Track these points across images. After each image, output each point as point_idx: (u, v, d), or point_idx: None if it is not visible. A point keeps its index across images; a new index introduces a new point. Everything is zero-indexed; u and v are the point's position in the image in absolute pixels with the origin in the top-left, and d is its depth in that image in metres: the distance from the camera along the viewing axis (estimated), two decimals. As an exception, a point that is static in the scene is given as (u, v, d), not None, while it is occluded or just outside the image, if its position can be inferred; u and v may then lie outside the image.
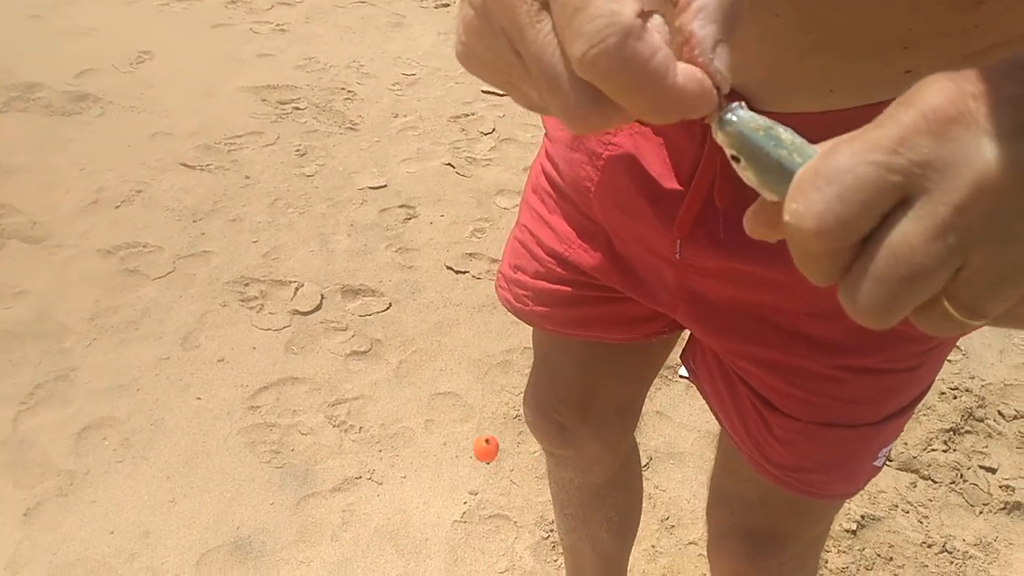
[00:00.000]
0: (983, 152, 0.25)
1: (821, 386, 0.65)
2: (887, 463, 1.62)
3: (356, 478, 1.52)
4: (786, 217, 0.27)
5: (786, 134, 0.29)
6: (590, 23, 0.28)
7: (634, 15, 0.28)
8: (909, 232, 0.26)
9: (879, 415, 0.67)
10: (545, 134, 0.79)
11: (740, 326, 0.66)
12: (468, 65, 0.36)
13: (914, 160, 0.26)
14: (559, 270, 0.78)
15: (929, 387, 0.70)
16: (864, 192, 0.26)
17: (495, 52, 0.34)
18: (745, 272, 0.61)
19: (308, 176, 2.38)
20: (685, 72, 0.29)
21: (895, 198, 0.26)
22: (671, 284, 0.68)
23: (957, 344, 1.77)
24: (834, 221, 0.26)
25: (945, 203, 0.25)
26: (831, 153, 0.27)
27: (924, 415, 1.74)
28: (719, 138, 0.31)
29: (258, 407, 1.64)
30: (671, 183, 0.60)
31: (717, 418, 0.80)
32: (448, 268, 2.09)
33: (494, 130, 2.71)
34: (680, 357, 0.85)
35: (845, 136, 0.27)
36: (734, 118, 0.30)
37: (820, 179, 0.27)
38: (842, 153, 0.27)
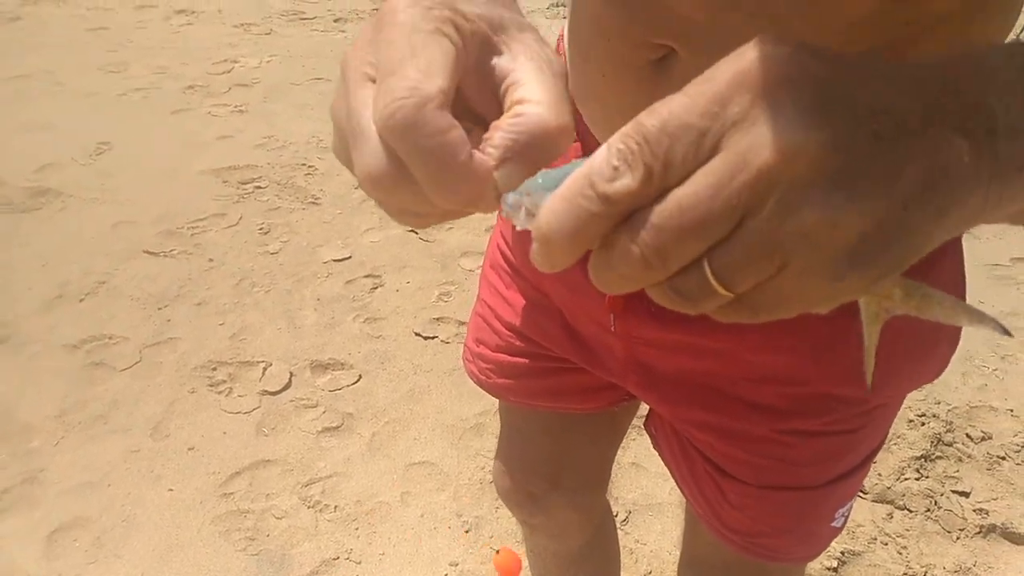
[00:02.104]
0: (786, 124, 0.26)
1: (766, 449, 0.67)
2: (861, 496, 1.63)
3: (333, 559, 1.50)
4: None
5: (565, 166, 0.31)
6: (397, 84, 0.30)
7: (438, 90, 0.31)
8: (699, 185, 0.27)
9: (827, 477, 0.68)
10: (499, 213, 0.81)
11: (686, 393, 0.68)
12: (335, 152, 0.38)
13: (727, 119, 0.27)
14: (518, 343, 0.80)
15: (878, 448, 0.71)
16: (674, 149, 0.27)
17: (338, 133, 0.36)
18: (681, 341, 0.63)
19: (272, 254, 2.40)
20: (480, 159, 0.31)
21: (708, 148, 0.27)
22: (619, 355, 0.70)
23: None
24: (648, 166, 0.27)
25: (740, 169, 0.26)
26: (645, 113, 0.28)
27: (895, 444, 1.76)
28: (514, 214, 0.32)
29: (231, 494, 1.63)
30: None
31: (677, 485, 0.82)
32: (416, 335, 2.10)
33: (454, 194, 2.75)
34: (643, 426, 0.87)
35: (664, 99, 0.28)
36: (513, 193, 0.32)
37: (636, 134, 0.28)
38: (655, 111, 0.28)
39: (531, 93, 0.33)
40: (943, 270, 0.60)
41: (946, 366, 0.65)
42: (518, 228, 0.32)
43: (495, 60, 0.35)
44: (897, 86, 0.27)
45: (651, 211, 0.28)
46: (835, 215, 0.26)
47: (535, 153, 0.33)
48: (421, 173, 0.31)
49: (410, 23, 0.33)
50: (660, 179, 0.28)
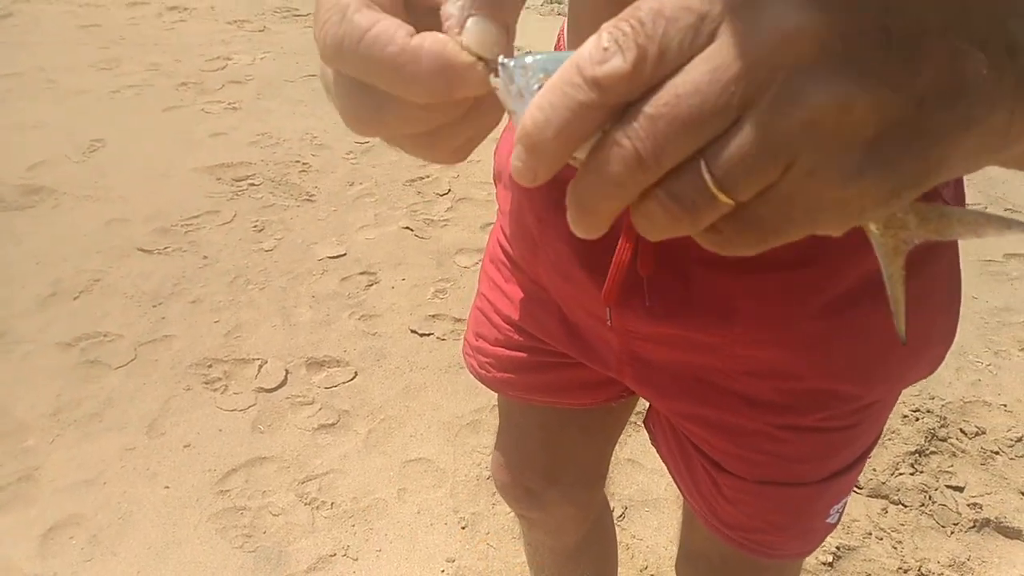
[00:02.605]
0: (787, 5, 0.24)
1: (762, 444, 0.67)
2: (856, 491, 1.64)
3: (330, 556, 1.50)
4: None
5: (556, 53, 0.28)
6: (321, 10, 0.29)
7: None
8: (697, 72, 0.25)
9: (823, 473, 0.68)
10: (498, 207, 0.82)
11: (682, 387, 0.68)
12: (345, 122, 0.36)
13: (721, 3, 0.25)
14: (516, 337, 0.81)
15: (873, 444, 0.71)
16: (671, 31, 0.25)
17: (339, 84, 0.33)
18: (678, 336, 0.63)
19: (267, 251, 2.39)
20: (430, 38, 0.28)
21: (706, 33, 0.25)
22: (616, 349, 0.70)
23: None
24: (637, 55, 0.25)
25: (738, 52, 0.24)
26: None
27: (889, 439, 1.77)
28: (505, 88, 0.29)
29: (227, 491, 1.62)
30: (604, 253, 0.62)
31: (674, 481, 0.82)
32: (412, 331, 2.10)
33: (450, 191, 2.75)
34: (643, 422, 0.87)
35: None
36: (511, 60, 0.29)
37: (632, 17, 0.26)
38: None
39: None
40: (939, 266, 0.60)
41: (941, 362, 0.66)
42: (508, 109, 0.29)
43: None
44: None
45: (645, 99, 0.25)
46: (844, 97, 0.23)
47: (488, 3, 0.30)
48: (377, 80, 0.29)
49: None
50: (654, 64, 0.25)
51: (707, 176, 0.25)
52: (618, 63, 0.25)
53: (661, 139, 0.25)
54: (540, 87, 0.27)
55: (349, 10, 0.28)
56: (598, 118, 0.26)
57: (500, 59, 0.29)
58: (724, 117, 0.25)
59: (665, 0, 0.25)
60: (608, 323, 0.66)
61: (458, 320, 2.13)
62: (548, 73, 0.27)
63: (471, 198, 2.71)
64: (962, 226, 0.28)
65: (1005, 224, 0.28)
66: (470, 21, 0.29)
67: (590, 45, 0.26)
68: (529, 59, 0.28)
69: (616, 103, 0.26)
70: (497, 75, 0.29)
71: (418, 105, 0.30)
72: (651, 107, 0.25)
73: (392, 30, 0.28)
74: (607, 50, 0.25)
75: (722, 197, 0.26)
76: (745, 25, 0.24)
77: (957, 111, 0.24)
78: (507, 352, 0.82)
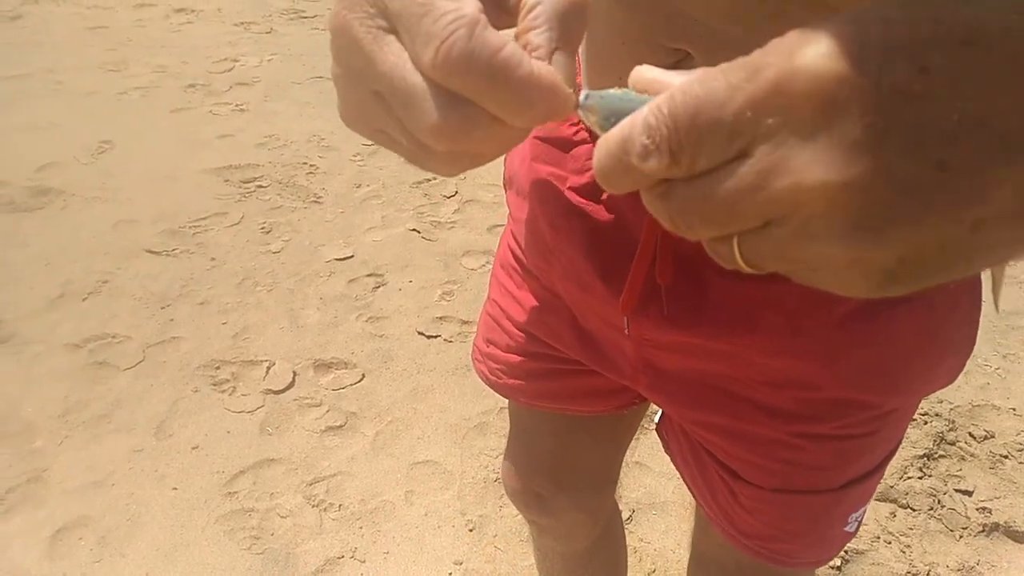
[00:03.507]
0: (831, 156, 0.24)
1: (779, 453, 0.66)
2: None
3: (338, 558, 1.50)
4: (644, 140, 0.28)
5: (638, 94, 0.30)
6: (435, 23, 0.29)
7: (477, 10, 0.29)
8: (723, 186, 0.26)
9: (840, 481, 0.68)
10: (509, 213, 0.82)
11: (698, 396, 0.68)
12: (347, 122, 0.36)
13: (760, 128, 0.25)
14: (529, 344, 0.80)
15: (892, 452, 0.70)
16: (703, 143, 0.26)
17: (359, 98, 0.34)
18: (695, 344, 0.63)
19: (274, 253, 2.40)
20: (544, 68, 0.30)
21: (736, 149, 0.26)
22: (631, 357, 0.70)
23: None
24: (675, 153, 0.27)
25: (761, 181, 0.25)
26: (681, 93, 0.27)
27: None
28: (586, 118, 0.31)
29: (235, 493, 1.63)
30: (621, 261, 0.62)
31: (689, 489, 0.82)
32: (419, 333, 2.10)
33: (456, 193, 2.75)
34: (655, 430, 0.87)
35: (703, 73, 0.27)
36: (591, 94, 0.31)
37: (668, 118, 0.27)
38: (691, 96, 0.27)
39: None
40: (963, 279, 0.59)
41: (960, 371, 0.65)
42: (594, 131, 0.32)
43: None
44: (1006, 82, 0.22)
45: (683, 188, 0.28)
46: (857, 254, 0.25)
47: (573, 32, 0.32)
48: (493, 100, 0.30)
49: None
50: (687, 168, 0.27)
51: (737, 255, 0.28)
52: (654, 164, 0.28)
53: (693, 223, 0.28)
54: (609, 126, 0.30)
55: (479, 27, 0.29)
56: (647, 179, 0.29)
57: (584, 95, 0.31)
58: (748, 223, 0.27)
59: (702, 107, 0.26)
60: (626, 331, 0.66)
61: (465, 322, 2.13)
62: (616, 116, 0.30)
63: (478, 200, 2.71)
64: None
65: None
66: (557, 55, 0.31)
67: (637, 129, 0.28)
68: (600, 98, 0.31)
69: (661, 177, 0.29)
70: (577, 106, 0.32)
71: (510, 125, 0.31)
72: (682, 199, 0.28)
73: (520, 53, 0.30)
74: (646, 147, 0.28)
75: (747, 269, 0.29)
76: (774, 161, 0.25)
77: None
78: (519, 359, 0.82)
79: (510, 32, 0.32)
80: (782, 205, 0.25)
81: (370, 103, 0.33)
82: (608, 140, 0.29)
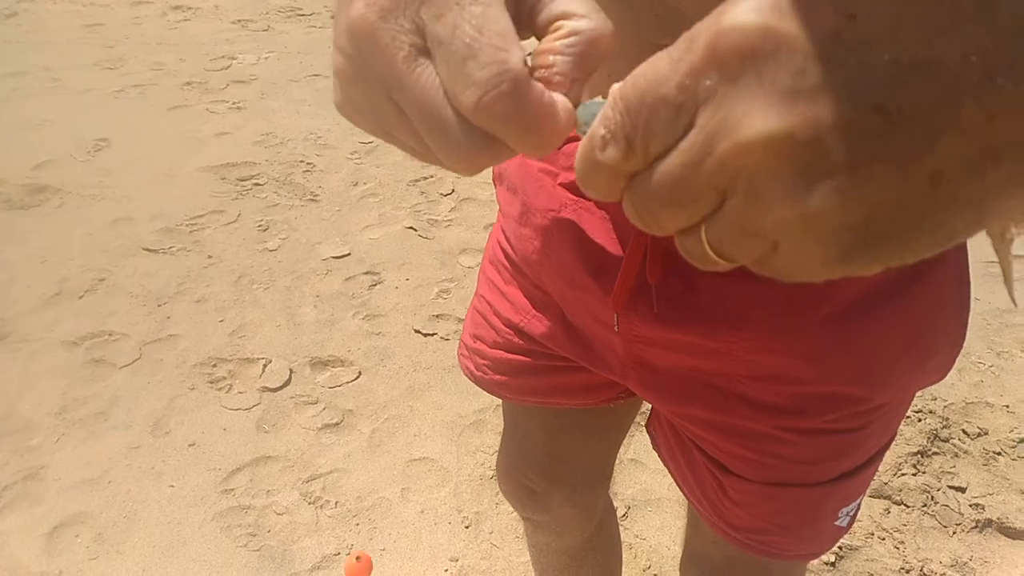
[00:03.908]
0: (767, 108, 0.24)
1: (768, 447, 0.67)
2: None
3: (335, 555, 1.51)
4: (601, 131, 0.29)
5: None
6: (481, 70, 0.29)
7: (522, 63, 0.30)
8: (674, 164, 0.27)
9: (829, 475, 0.68)
10: (499, 209, 0.82)
11: (687, 392, 0.68)
12: (346, 115, 0.36)
13: (700, 94, 0.25)
14: (516, 340, 0.80)
15: (885, 447, 0.70)
16: (652, 122, 0.27)
17: (371, 101, 0.34)
18: (684, 341, 0.63)
19: (271, 251, 2.40)
20: (560, 100, 0.31)
21: (683, 125, 0.26)
22: (620, 353, 0.70)
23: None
24: (629, 138, 0.27)
25: (706, 151, 0.25)
26: (631, 78, 0.27)
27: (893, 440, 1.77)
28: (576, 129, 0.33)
29: (232, 490, 1.63)
30: (611, 258, 0.63)
31: (678, 485, 0.82)
32: (416, 331, 2.10)
33: (453, 191, 2.76)
34: (645, 427, 0.87)
35: (651, 58, 0.27)
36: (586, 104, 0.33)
37: (621, 104, 0.27)
38: (639, 78, 0.27)
39: (570, 5, 0.33)
40: (948, 273, 0.60)
41: (950, 368, 0.65)
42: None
43: None
44: (943, 24, 0.22)
45: (642, 178, 0.28)
46: (809, 212, 0.24)
47: (594, 66, 0.33)
48: (524, 144, 0.31)
49: None
50: (642, 152, 0.27)
51: (706, 245, 0.28)
52: (612, 153, 0.28)
53: (657, 215, 0.29)
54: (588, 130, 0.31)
55: (522, 84, 0.30)
56: (618, 178, 0.29)
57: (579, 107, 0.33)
58: (704, 203, 0.27)
59: (647, 87, 0.27)
60: (615, 328, 0.66)
61: (461, 320, 2.13)
62: (591, 121, 0.31)
63: (474, 198, 2.71)
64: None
65: None
66: (575, 88, 0.32)
67: (596, 124, 0.29)
68: (583, 107, 0.32)
69: (627, 172, 0.29)
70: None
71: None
72: (642, 189, 0.28)
73: (551, 103, 0.31)
74: (604, 138, 0.28)
75: (721, 261, 0.29)
76: (715, 123, 0.25)
77: (993, 174, 0.22)
78: (506, 355, 0.82)
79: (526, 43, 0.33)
80: (728, 167, 0.25)
81: (385, 108, 0.33)
82: (581, 142, 0.30)
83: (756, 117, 0.24)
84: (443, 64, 0.30)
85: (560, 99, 0.31)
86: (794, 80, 0.23)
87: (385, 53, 0.31)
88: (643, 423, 1.76)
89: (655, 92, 0.26)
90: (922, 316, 0.59)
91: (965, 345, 0.64)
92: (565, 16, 0.32)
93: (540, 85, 0.30)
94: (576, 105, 0.33)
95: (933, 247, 0.25)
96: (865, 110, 0.22)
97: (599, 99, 0.32)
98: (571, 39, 0.32)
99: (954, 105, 0.22)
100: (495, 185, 0.80)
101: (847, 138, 0.23)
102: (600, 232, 0.64)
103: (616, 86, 0.28)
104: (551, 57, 0.32)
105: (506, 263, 0.80)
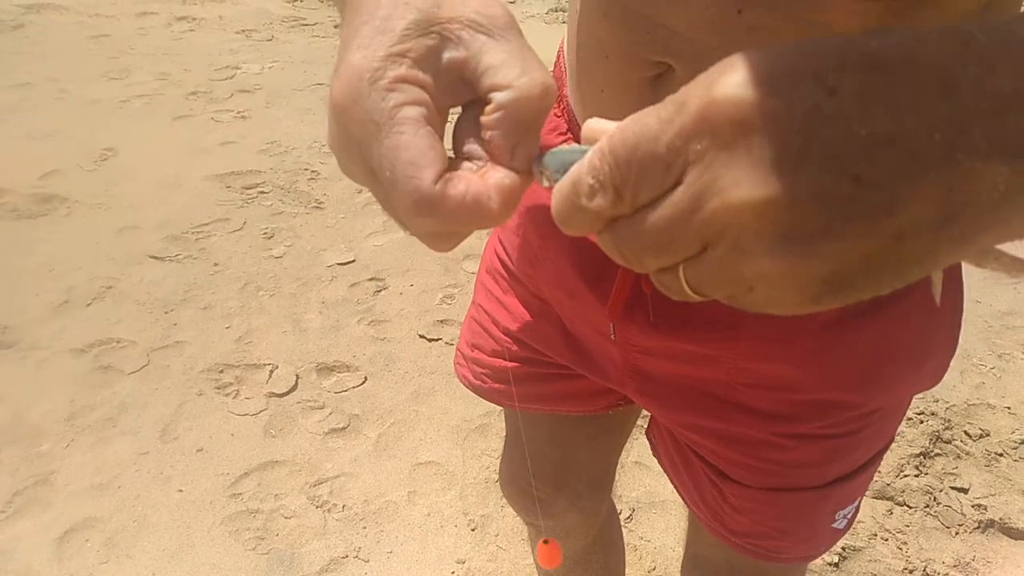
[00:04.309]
0: (754, 175, 0.26)
1: (765, 453, 0.68)
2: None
3: (342, 558, 1.52)
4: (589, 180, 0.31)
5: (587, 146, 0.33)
6: (401, 199, 0.33)
7: (432, 181, 0.33)
8: (661, 215, 0.29)
9: (826, 478, 0.69)
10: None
11: (684, 399, 0.69)
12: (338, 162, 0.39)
13: (690, 155, 0.27)
14: (515, 348, 0.80)
15: (882, 451, 0.71)
16: (642, 177, 0.29)
17: (355, 165, 0.36)
18: (680, 349, 0.64)
19: (277, 258, 2.42)
20: (497, 179, 0.34)
21: (672, 179, 0.28)
22: (618, 361, 0.71)
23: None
24: (618, 188, 0.30)
25: (694, 208, 0.28)
26: (620, 132, 0.29)
27: (894, 441, 1.78)
28: (540, 177, 0.35)
29: (240, 494, 1.65)
30: (606, 268, 0.64)
31: (677, 491, 0.83)
32: (421, 337, 2.12)
33: (456, 197, 2.77)
34: (645, 433, 0.88)
35: (638, 114, 0.29)
36: (544, 155, 0.35)
37: (610, 157, 0.30)
38: (628, 133, 0.29)
39: (495, 77, 0.34)
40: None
41: (944, 372, 0.66)
42: (544, 186, 0.35)
43: (447, 56, 0.35)
44: (912, 103, 0.24)
45: (628, 223, 0.30)
46: (788, 267, 0.27)
47: (531, 125, 0.35)
48: (467, 230, 0.35)
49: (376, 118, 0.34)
50: (630, 202, 0.30)
51: (683, 282, 0.31)
52: (600, 202, 0.30)
53: (641, 256, 0.31)
54: (560, 176, 0.33)
55: (436, 203, 0.33)
56: (598, 222, 0.32)
57: (538, 158, 0.35)
58: (688, 250, 0.29)
59: (638, 143, 0.29)
60: (612, 338, 0.67)
61: (466, 325, 2.15)
62: (565, 167, 0.33)
63: (478, 205, 2.73)
64: (998, 264, 0.31)
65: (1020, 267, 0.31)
66: (518, 148, 0.35)
67: (583, 173, 0.31)
68: (551, 155, 0.34)
69: (609, 218, 0.31)
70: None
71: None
72: (627, 233, 0.31)
73: (479, 194, 0.33)
74: (592, 187, 0.30)
75: (695, 296, 0.31)
76: (703, 183, 0.27)
77: (948, 232, 0.26)
78: (504, 363, 0.82)
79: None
80: (715, 224, 0.27)
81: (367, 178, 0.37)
82: (562, 187, 0.32)
83: (744, 183, 0.26)
84: (381, 188, 0.35)
85: (497, 178, 0.34)
86: (779, 151, 0.25)
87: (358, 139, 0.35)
88: (645, 427, 1.78)
89: (645, 149, 0.29)
90: (916, 321, 0.61)
91: (967, 347, 0.65)
92: (493, 89, 0.34)
93: (462, 185, 0.33)
94: (536, 155, 0.35)
95: (893, 287, 0.28)
96: (844, 179, 0.25)
97: (568, 146, 0.34)
98: (497, 114, 0.34)
99: (919, 176, 0.25)
100: None
101: (824, 203, 0.25)
102: (594, 244, 0.65)
103: (603, 140, 0.30)
104: (487, 133, 0.35)
105: (504, 273, 0.80)
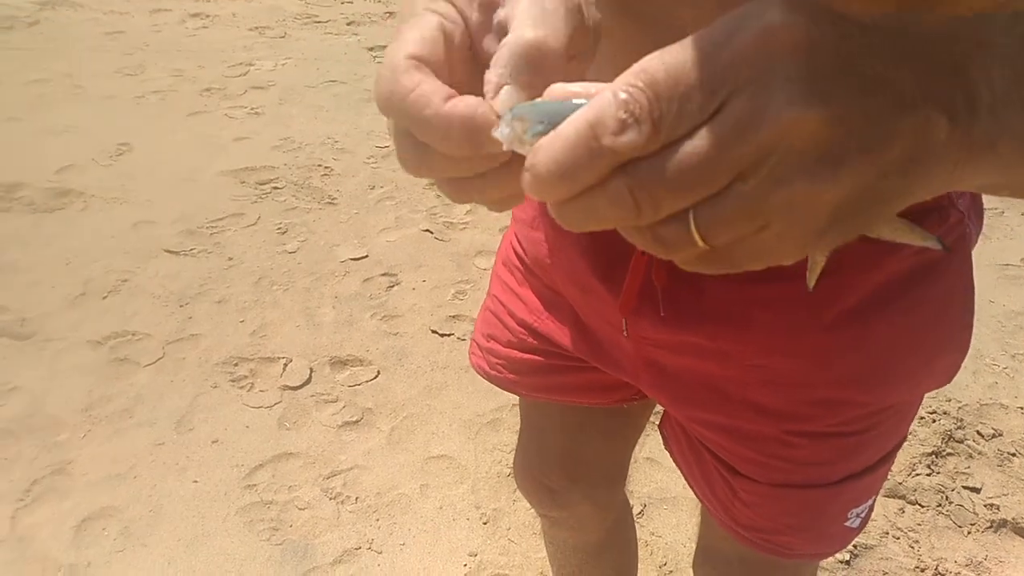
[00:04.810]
0: (802, 98, 0.27)
1: (775, 450, 0.68)
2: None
3: (356, 549, 1.53)
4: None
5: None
6: (380, 70, 0.33)
7: (404, 57, 0.33)
8: (701, 145, 0.28)
9: (836, 476, 0.69)
10: (512, 213, 0.84)
11: (695, 394, 0.69)
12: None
13: (738, 82, 0.27)
14: (530, 340, 0.81)
15: (894, 450, 0.71)
16: (685, 106, 0.28)
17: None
18: (692, 344, 0.64)
19: (290, 253, 2.44)
20: (463, 103, 0.32)
21: (712, 109, 0.28)
22: (631, 355, 0.71)
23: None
24: (656, 122, 0.28)
25: (740, 134, 0.27)
26: (659, 64, 0.28)
27: (906, 440, 1.78)
28: (512, 129, 0.31)
29: (254, 485, 1.66)
30: (619, 262, 0.64)
31: (689, 485, 0.83)
32: (433, 332, 2.13)
33: (469, 194, 2.79)
34: (658, 427, 0.89)
35: (676, 45, 0.28)
36: (518, 106, 0.32)
37: (649, 90, 0.28)
38: (671, 65, 0.28)
39: (517, 21, 0.34)
40: (955, 280, 0.61)
41: (956, 371, 0.66)
42: (504, 148, 0.32)
43: (497, 15, 0.36)
44: (902, 58, 0.27)
45: (652, 162, 0.28)
46: (822, 187, 0.27)
47: (525, 73, 0.33)
48: (417, 134, 0.33)
49: (409, 8, 0.35)
50: (667, 136, 0.28)
51: (693, 228, 0.29)
52: (634, 136, 0.28)
53: (660, 198, 0.29)
54: (539, 134, 0.30)
55: (398, 70, 0.33)
56: (604, 172, 0.29)
57: (509, 110, 0.32)
58: (717, 185, 0.28)
59: (682, 74, 0.28)
60: (624, 332, 0.68)
61: (478, 321, 2.16)
62: (549, 119, 0.30)
63: (490, 202, 2.74)
64: (889, 230, 0.33)
65: (923, 237, 0.34)
66: (503, 89, 0.33)
67: (607, 110, 0.28)
68: (531, 106, 0.31)
69: (624, 161, 0.29)
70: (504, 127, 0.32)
71: (452, 156, 0.34)
72: (657, 170, 0.28)
73: (429, 94, 0.32)
74: (623, 122, 0.28)
75: (701, 244, 0.30)
76: (752, 108, 0.27)
77: (910, 176, 0.28)
78: (519, 354, 0.83)
79: None
80: (760, 149, 0.27)
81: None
82: (565, 133, 0.29)
83: (793, 106, 0.27)
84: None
85: (463, 101, 0.32)
86: (825, 75, 0.27)
87: (378, 80, 0.35)
88: (657, 422, 1.78)
89: (691, 77, 0.28)
90: (927, 317, 0.61)
91: (979, 347, 0.66)
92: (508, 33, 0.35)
93: (421, 78, 0.32)
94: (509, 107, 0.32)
95: (861, 232, 0.30)
96: (884, 104, 0.27)
97: (539, 100, 0.32)
98: (498, 52, 0.34)
99: (902, 117, 0.27)
100: None
101: (866, 126, 0.27)
102: (607, 237, 0.65)
103: (629, 76, 0.28)
104: (486, 72, 0.34)
105: (519, 265, 0.81)
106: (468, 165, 0.34)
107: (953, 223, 0.58)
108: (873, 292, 0.58)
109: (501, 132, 0.31)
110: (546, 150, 0.29)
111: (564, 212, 0.31)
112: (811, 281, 0.40)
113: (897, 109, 0.27)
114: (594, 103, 0.28)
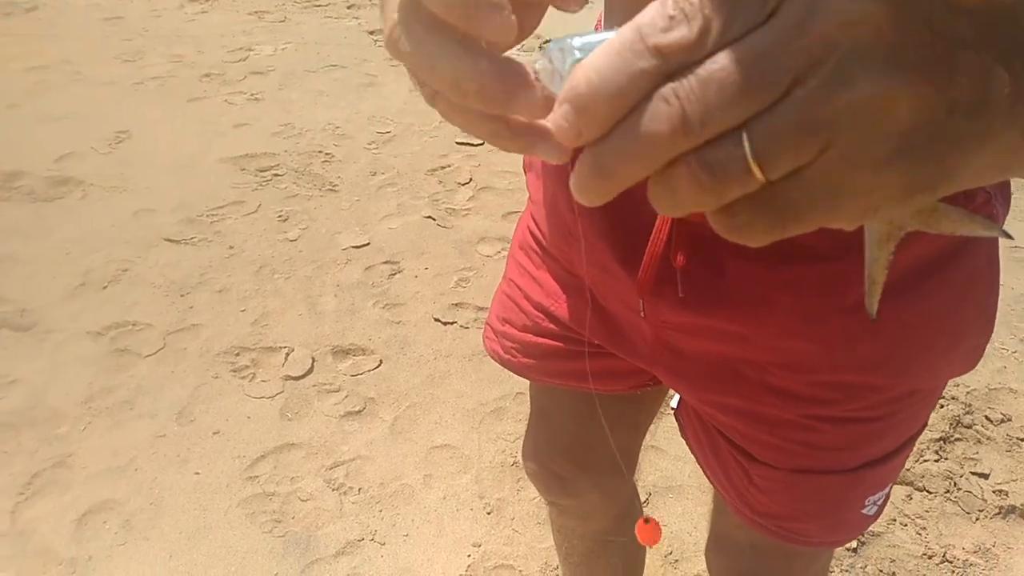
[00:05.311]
0: None
1: (793, 434, 0.67)
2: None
3: (358, 540, 1.52)
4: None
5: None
6: None
7: None
8: (757, 44, 0.25)
9: (855, 462, 0.68)
10: (529, 196, 0.82)
11: (714, 378, 0.68)
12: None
13: None
14: (546, 324, 0.81)
15: (914, 437, 0.70)
16: (736, 9, 0.25)
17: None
18: (710, 326, 0.63)
19: (291, 241, 2.42)
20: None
21: (768, 10, 0.25)
22: (649, 339, 0.70)
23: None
24: (702, 26, 0.25)
25: (800, 29, 0.24)
26: None
27: (914, 427, 1.76)
28: (556, 58, 0.29)
29: (256, 477, 1.65)
30: (637, 243, 0.63)
31: (704, 472, 0.82)
32: (436, 320, 2.11)
33: (471, 180, 2.76)
34: (674, 415, 0.87)
35: None
36: (554, 41, 0.30)
37: None
38: None
39: None
40: (979, 260, 0.59)
41: (979, 357, 0.64)
42: (543, 82, 0.30)
43: None
44: (961, 10, 0.25)
45: (701, 64, 0.25)
46: (892, 87, 0.24)
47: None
48: (461, 22, 0.30)
49: None
50: (719, 35, 0.25)
51: (747, 146, 0.25)
52: (683, 32, 0.25)
53: (711, 104, 0.25)
54: (577, 63, 0.28)
55: None
56: (653, 83, 0.26)
57: (541, 44, 0.30)
58: (775, 90, 0.25)
59: None
60: (642, 314, 0.67)
61: (481, 308, 2.14)
62: (589, 47, 0.27)
63: (492, 187, 2.72)
64: (949, 222, 0.30)
65: (986, 227, 0.30)
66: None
67: (654, 11, 0.26)
68: (570, 40, 0.28)
69: (671, 71, 0.26)
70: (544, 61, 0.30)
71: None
72: (706, 71, 0.25)
73: None
74: (673, 18, 0.25)
75: (756, 170, 0.26)
76: (810, 4, 0.24)
77: (980, 123, 0.25)
78: (535, 339, 0.82)
79: None
80: (824, 44, 0.24)
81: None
82: (604, 46, 0.26)
83: (856, 1, 0.24)
84: None
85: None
86: None
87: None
88: (664, 411, 1.77)
89: None
90: (951, 301, 0.59)
91: (988, 331, 0.64)
92: None
93: None
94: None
95: (938, 180, 0.26)
96: (944, 33, 0.24)
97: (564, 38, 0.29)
98: None
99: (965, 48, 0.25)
100: (525, 173, 0.81)
101: (930, 46, 0.24)
102: (626, 217, 0.64)
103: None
104: None
105: (536, 248, 0.80)
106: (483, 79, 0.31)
107: (980, 203, 0.55)
108: (897, 275, 0.56)
109: (541, 63, 0.29)
110: (587, 62, 0.26)
111: (601, 151, 0.27)
112: (872, 306, 0.34)
113: (958, 44, 0.24)
114: (639, 15, 0.26)
